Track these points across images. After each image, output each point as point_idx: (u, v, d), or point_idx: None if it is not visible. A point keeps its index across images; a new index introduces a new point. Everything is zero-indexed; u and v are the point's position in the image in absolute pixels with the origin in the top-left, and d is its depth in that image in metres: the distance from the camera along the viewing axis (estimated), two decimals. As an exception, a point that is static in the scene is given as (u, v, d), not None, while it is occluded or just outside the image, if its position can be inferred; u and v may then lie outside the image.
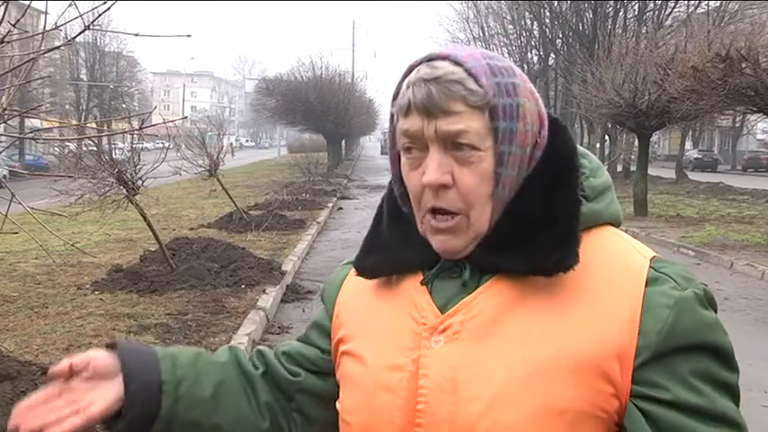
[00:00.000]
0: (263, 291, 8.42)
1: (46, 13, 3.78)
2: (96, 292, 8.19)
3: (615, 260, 1.03)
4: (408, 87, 1.01)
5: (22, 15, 3.62)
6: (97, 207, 8.42)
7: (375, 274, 1.16)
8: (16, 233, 4.40)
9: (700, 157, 47.87)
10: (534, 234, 1.02)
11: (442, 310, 1.05)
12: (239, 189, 23.46)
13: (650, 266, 1.01)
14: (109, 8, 3.58)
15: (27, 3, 3.48)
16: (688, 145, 46.21)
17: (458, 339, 1.02)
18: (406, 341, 1.06)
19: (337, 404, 1.17)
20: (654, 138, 31.94)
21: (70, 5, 3.52)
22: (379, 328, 1.11)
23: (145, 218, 8.58)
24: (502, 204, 1.03)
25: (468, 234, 1.03)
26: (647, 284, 0.99)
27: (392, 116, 1.06)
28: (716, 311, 1.02)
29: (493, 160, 1.00)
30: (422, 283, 1.09)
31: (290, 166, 29.08)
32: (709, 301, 1.01)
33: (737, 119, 38.62)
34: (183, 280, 8.45)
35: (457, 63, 1.00)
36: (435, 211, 1.03)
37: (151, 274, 8.74)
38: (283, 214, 15.63)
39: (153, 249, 9.80)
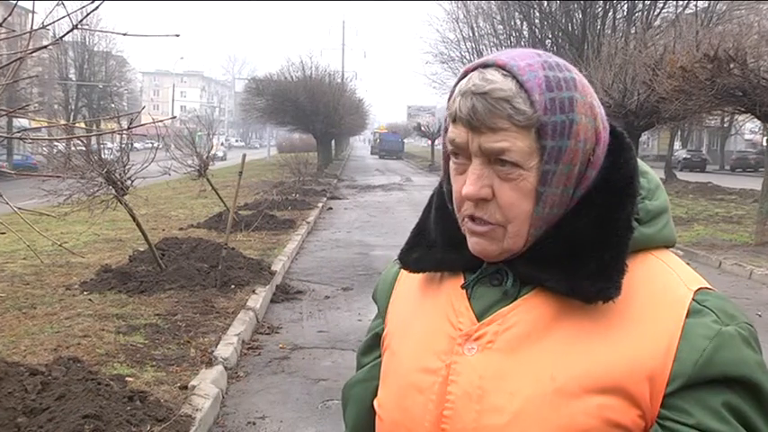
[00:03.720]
0: (253, 291, 8.40)
1: (33, 12, 3.75)
2: (85, 293, 8.15)
3: (658, 289, 1.01)
4: (458, 96, 1.00)
5: (9, 14, 3.60)
6: (86, 207, 8.38)
7: (418, 269, 1.16)
8: (3, 233, 4.38)
9: (688, 157, 48.13)
10: (581, 256, 1.00)
11: (480, 317, 1.05)
12: (229, 189, 23.39)
13: (693, 299, 0.99)
14: (97, 7, 3.56)
15: (14, 2, 3.46)
16: (677, 145, 46.43)
17: (490, 349, 1.02)
18: (441, 345, 1.06)
19: (375, 401, 1.18)
20: (643, 138, 32.13)
21: (58, 4, 3.50)
22: (419, 328, 1.12)
23: (134, 218, 8.54)
24: (542, 221, 1.01)
25: (503, 243, 1.02)
26: (687, 315, 0.97)
27: (445, 118, 1.05)
28: (760, 352, 0.98)
29: (536, 179, 0.98)
30: (462, 287, 1.09)
31: (279, 165, 29.00)
32: (754, 341, 0.98)
33: (726, 119, 38.81)
34: (172, 280, 8.42)
35: (512, 75, 0.97)
36: (473, 218, 1.02)
37: (140, 274, 8.71)
38: (273, 214, 15.60)
39: (142, 249, 9.76)
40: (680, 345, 0.95)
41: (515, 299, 1.03)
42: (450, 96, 1.03)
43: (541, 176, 0.98)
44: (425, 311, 1.13)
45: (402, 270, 1.22)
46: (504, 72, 0.97)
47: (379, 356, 1.22)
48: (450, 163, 1.05)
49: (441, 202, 1.14)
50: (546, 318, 1.00)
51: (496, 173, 0.99)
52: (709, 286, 1.03)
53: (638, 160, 1.08)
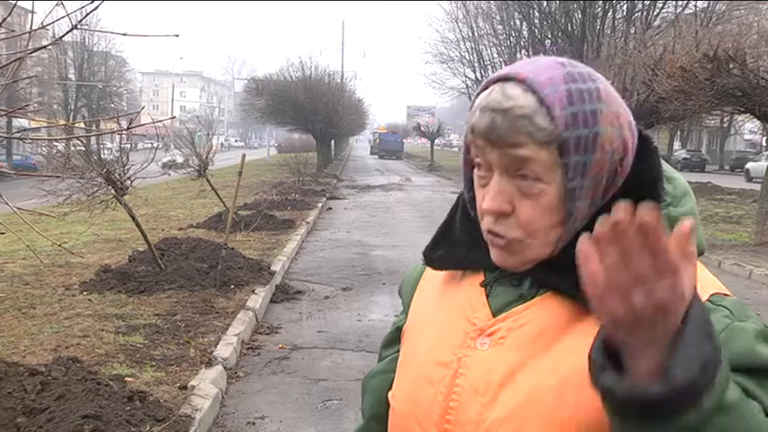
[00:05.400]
0: (253, 291, 8.40)
1: (33, 12, 3.75)
2: (84, 293, 8.15)
3: None
4: (477, 110, 0.99)
5: (9, 14, 3.60)
6: (85, 207, 8.37)
7: (442, 266, 1.17)
8: (3, 233, 4.38)
9: (688, 157, 48.11)
10: None
11: (495, 314, 1.06)
12: (228, 189, 23.37)
13: (708, 300, 0.98)
14: (97, 7, 3.56)
15: (14, 2, 3.46)
16: (676, 145, 46.50)
17: (502, 345, 1.03)
18: (456, 339, 1.08)
19: (389, 392, 1.19)
20: (642, 138, 31.99)
21: (58, 4, 3.50)
22: (436, 323, 1.13)
23: (133, 218, 8.54)
24: (573, 232, 1.00)
25: (524, 255, 1.02)
26: None
27: (467, 127, 1.04)
28: None
29: (557, 194, 0.98)
30: (481, 284, 1.10)
31: (279, 165, 29.01)
32: None
33: (725, 119, 38.84)
34: (171, 280, 8.42)
35: (532, 89, 0.96)
36: (493, 233, 1.03)
37: (140, 274, 8.70)
38: (273, 214, 15.59)
39: (142, 250, 9.75)
40: None
41: (532, 299, 1.04)
42: (471, 107, 1.03)
43: (568, 194, 0.98)
44: (444, 307, 1.14)
45: (427, 267, 1.23)
46: (525, 87, 0.97)
47: (399, 350, 1.25)
48: (474, 172, 1.05)
49: (466, 204, 1.15)
50: (560, 319, 1.01)
51: (517, 188, 0.99)
52: (728, 292, 1.02)
53: (666, 165, 1.07)
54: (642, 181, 1.02)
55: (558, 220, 1.00)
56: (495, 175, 1.00)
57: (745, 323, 0.96)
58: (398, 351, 1.24)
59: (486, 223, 1.03)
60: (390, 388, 1.21)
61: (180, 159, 13.97)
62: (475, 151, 1.02)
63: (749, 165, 39.54)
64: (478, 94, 1.01)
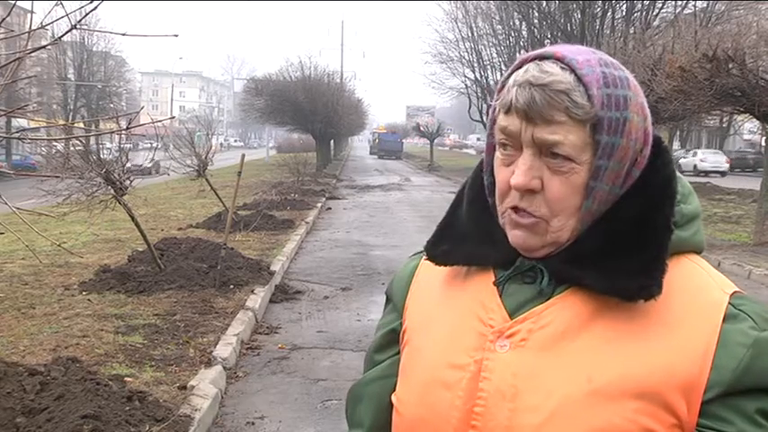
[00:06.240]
0: (252, 291, 8.40)
1: (32, 12, 3.75)
2: (84, 293, 8.15)
3: (694, 291, 1.00)
4: (514, 86, 0.99)
5: (8, 14, 3.60)
6: (85, 207, 8.37)
7: (447, 262, 1.14)
8: (2, 233, 4.38)
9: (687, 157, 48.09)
10: (621, 255, 0.99)
11: (512, 314, 1.04)
12: (228, 189, 23.38)
13: (729, 302, 0.98)
14: (96, 7, 3.56)
15: (13, 1, 3.46)
16: (675, 145, 46.45)
17: (524, 347, 1.01)
18: (470, 341, 1.05)
19: (393, 396, 1.16)
20: (642, 138, 31.98)
21: (57, 4, 3.49)
22: (444, 324, 1.11)
23: (133, 218, 8.54)
24: (590, 216, 1.01)
25: (545, 237, 1.02)
26: (724, 320, 0.96)
27: (493, 108, 1.04)
28: None
29: (587, 173, 0.98)
30: (494, 283, 1.08)
31: (278, 165, 29.00)
32: None
33: (724, 119, 38.84)
34: (171, 280, 8.42)
35: (570, 68, 0.97)
36: (517, 209, 1.02)
37: (139, 274, 8.70)
38: (272, 214, 15.59)
39: (141, 250, 9.75)
40: (717, 351, 0.94)
41: (549, 297, 1.03)
42: (503, 86, 1.02)
43: (594, 171, 0.98)
44: (450, 307, 1.12)
45: (420, 265, 1.21)
46: (563, 65, 0.98)
47: (398, 353, 1.20)
48: (497, 154, 1.04)
49: (475, 196, 1.13)
50: (581, 317, 1.00)
51: (547, 165, 0.99)
52: (741, 291, 1.02)
53: None
54: (659, 177, 1.03)
55: (582, 201, 1.00)
56: (525, 153, 0.99)
57: (767, 333, 0.96)
58: (397, 354, 1.20)
59: (510, 201, 1.02)
60: (391, 393, 1.18)
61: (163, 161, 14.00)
62: (507, 125, 1.00)
63: (681, 160, 41.90)
64: (511, 74, 1.02)
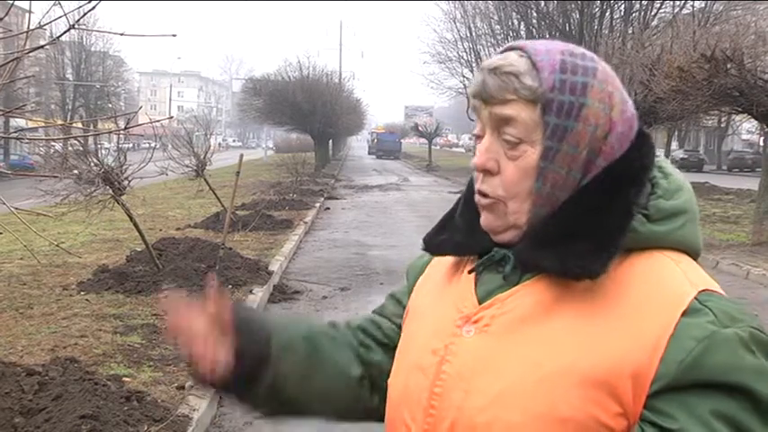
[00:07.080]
0: (250, 291, 8.40)
1: (30, 11, 3.75)
2: (82, 293, 8.14)
3: (659, 284, 0.99)
4: (476, 72, 1.06)
5: (6, 14, 3.59)
6: (83, 207, 8.37)
7: (439, 251, 1.20)
8: (0, 233, 4.37)
9: (685, 156, 48.07)
10: (578, 239, 1.01)
11: (481, 301, 1.08)
12: (226, 189, 23.37)
13: (696, 297, 0.96)
14: (94, 7, 3.56)
15: (11, 1, 3.45)
16: (674, 145, 46.56)
17: (486, 332, 1.04)
18: (446, 327, 1.09)
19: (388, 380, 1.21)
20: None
21: (55, 4, 3.49)
22: (431, 313, 1.16)
23: (131, 218, 8.53)
24: (543, 199, 1.03)
25: (507, 219, 1.05)
26: (685, 314, 0.94)
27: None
28: (766, 358, 0.93)
29: (539, 155, 1.02)
30: (469, 272, 1.12)
31: (277, 165, 28.99)
32: (756, 346, 0.93)
33: (723, 119, 38.89)
34: (169, 280, 8.41)
35: (527, 55, 1.02)
36: (480, 192, 1.07)
37: (137, 274, 8.70)
38: (270, 214, 15.58)
39: (139, 250, 9.75)
40: (669, 343, 0.93)
41: (516, 285, 1.05)
42: None
43: (544, 152, 1.01)
44: (440, 297, 1.17)
45: (432, 259, 1.27)
46: (522, 53, 1.03)
47: (381, 317, 1.33)
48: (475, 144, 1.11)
49: (470, 194, 1.16)
50: (544, 304, 1.01)
51: (503, 149, 1.04)
52: (719, 290, 1.00)
53: (666, 162, 1.09)
54: (630, 167, 1.03)
55: (533, 182, 1.03)
56: (486, 136, 1.06)
57: (729, 329, 0.93)
58: (380, 317, 1.33)
59: (477, 184, 1.07)
60: (345, 343, 1.30)
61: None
62: (473, 111, 1.07)
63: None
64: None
